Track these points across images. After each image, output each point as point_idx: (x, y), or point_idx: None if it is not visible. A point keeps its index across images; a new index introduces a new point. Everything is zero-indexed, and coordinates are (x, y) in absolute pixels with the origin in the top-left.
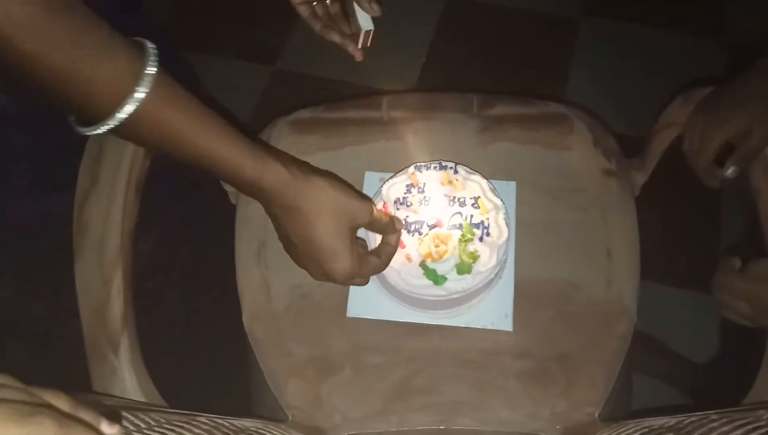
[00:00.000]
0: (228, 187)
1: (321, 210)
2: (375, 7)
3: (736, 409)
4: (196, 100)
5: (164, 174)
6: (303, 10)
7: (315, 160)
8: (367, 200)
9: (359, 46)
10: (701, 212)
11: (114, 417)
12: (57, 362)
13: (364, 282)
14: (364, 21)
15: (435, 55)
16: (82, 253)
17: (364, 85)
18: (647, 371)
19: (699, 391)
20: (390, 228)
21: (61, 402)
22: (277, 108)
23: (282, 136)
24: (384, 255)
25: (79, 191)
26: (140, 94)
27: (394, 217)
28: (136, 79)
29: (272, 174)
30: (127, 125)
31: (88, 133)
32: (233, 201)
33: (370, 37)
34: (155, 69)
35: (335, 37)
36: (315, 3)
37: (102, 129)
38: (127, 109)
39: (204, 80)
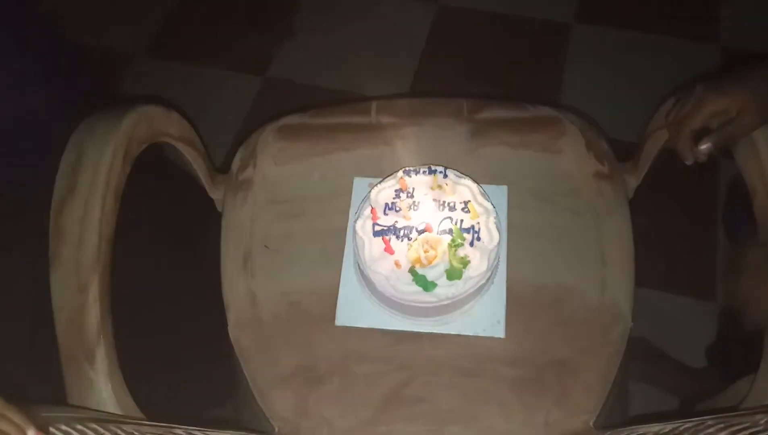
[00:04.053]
0: (214, 195)
1: None
2: None
3: (733, 414)
4: None
5: (147, 181)
6: None
7: (304, 166)
8: None
9: None
10: (696, 215)
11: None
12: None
13: None
14: None
15: (427, 62)
16: (58, 260)
17: (357, 93)
18: (644, 378)
19: (696, 397)
20: None
21: None
22: (269, 116)
23: (269, 142)
24: None
25: (56, 197)
26: None
27: None
28: None
29: None
30: None
31: None
32: (219, 209)
33: None
34: None
35: None
36: None
37: None
38: None
39: (197, 90)
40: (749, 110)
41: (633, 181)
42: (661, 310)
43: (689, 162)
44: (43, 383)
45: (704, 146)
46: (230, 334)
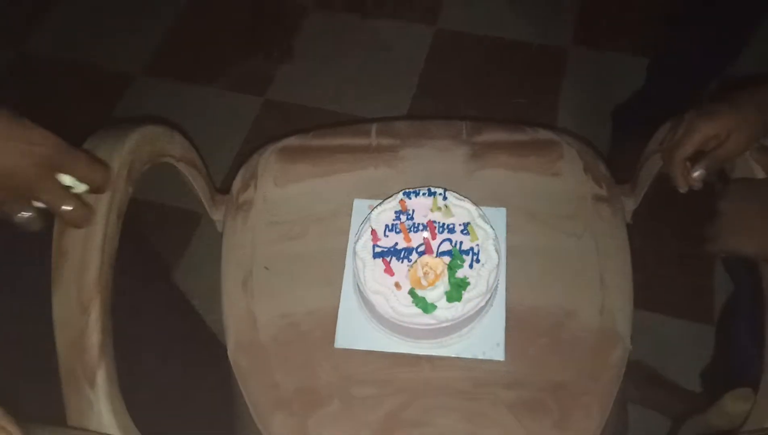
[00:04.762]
0: (215, 216)
1: None
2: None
3: None
4: None
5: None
6: None
7: (304, 187)
8: None
9: None
10: (694, 237)
11: None
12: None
13: None
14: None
15: (426, 84)
16: (60, 280)
17: (356, 116)
18: (642, 401)
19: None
20: None
21: None
22: (269, 137)
23: (270, 163)
24: None
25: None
26: None
27: None
28: None
29: None
30: None
31: None
32: (219, 229)
33: None
34: None
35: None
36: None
37: None
38: None
39: (197, 110)
40: (738, 132)
41: (631, 204)
42: (659, 332)
43: (683, 190)
44: (41, 403)
45: (697, 173)
46: (230, 356)
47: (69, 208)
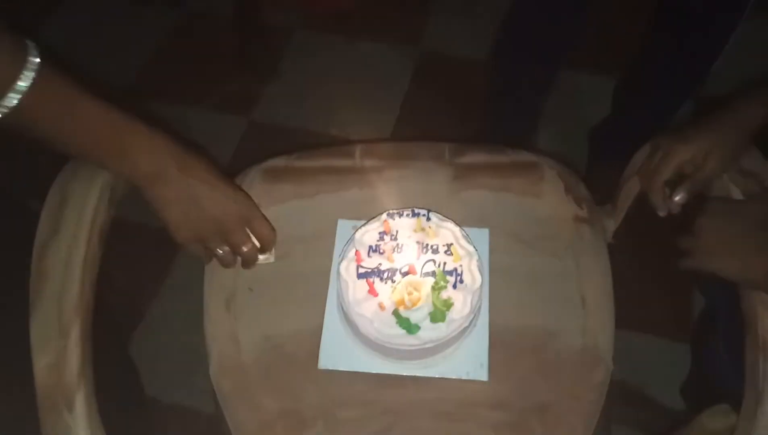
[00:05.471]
0: None
1: None
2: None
3: None
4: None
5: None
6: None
7: (288, 208)
8: None
9: None
10: (673, 257)
11: None
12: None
13: None
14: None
15: (409, 108)
16: (39, 302)
17: (340, 137)
18: (626, 421)
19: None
20: None
21: None
22: (253, 158)
23: (254, 184)
24: None
25: (38, 238)
26: (25, 81)
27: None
28: (20, 67)
29: None
30: (21, 111)
31: None
32: None
33: None
34: (37, 58)
35: None
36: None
37: None
38: (13, 96)
39: (182, 130)
40: (714, 154)
41: (611, 224)
42: (642, 352)
43: (663, 214)
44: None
45: (677, 198)
46: (212, 379)
47: (247, 249)
